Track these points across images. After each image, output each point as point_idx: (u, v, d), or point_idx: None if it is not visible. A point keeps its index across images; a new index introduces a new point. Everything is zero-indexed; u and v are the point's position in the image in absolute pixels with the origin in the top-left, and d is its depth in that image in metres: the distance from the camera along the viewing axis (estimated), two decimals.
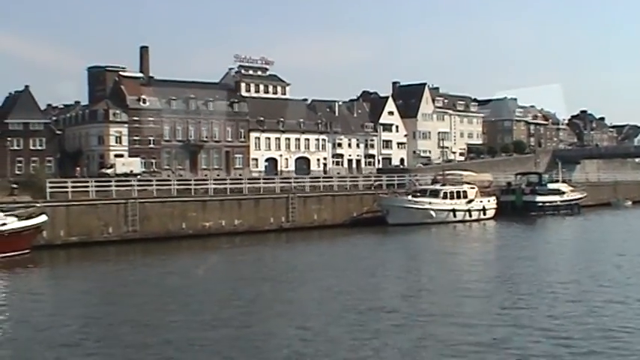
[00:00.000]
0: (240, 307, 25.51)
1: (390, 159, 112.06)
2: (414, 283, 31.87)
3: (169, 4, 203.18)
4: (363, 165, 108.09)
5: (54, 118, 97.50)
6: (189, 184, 51.78)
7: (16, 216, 38.93)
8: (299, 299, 27.44)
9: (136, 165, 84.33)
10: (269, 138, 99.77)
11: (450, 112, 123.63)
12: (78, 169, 79.50)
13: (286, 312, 24.71)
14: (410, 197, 60.95)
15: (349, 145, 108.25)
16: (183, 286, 30.85)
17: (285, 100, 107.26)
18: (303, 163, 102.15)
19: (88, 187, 46.21)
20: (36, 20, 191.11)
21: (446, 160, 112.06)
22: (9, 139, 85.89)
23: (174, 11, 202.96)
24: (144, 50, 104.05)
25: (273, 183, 57.77)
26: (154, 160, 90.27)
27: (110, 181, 49.10)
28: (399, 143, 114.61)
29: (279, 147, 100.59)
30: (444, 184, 64.63)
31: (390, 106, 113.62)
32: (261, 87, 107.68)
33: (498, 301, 26.57)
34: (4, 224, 38.08)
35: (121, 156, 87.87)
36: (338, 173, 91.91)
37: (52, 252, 41.23)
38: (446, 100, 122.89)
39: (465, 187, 65.15)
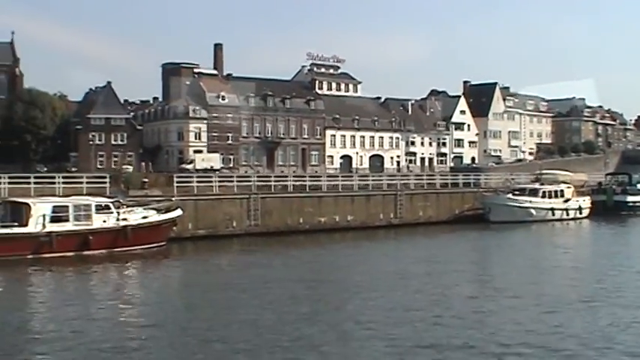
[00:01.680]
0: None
1: (461, 157, 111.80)
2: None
3: (239, 2, 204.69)
4: (435, 163, 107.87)
5: (132, 113, 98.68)
6: (304, 181, 52.22)
7: (155, 209, 39.53)
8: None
9: (215, 160, 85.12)
10: (344, 135, 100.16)
11: (520, 111, 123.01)
12: (143, 164, 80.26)
13: None
14: (510, 195, 60.98)
15: (422, 143, 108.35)
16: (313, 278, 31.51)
17: (358, 98, 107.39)
18: (377, 161, 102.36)
19: (211, 182, 46.81)
20: (108, 18, 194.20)
21: (517, 159, 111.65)
22: (93, 133, 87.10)
23: (244, 9, 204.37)
24: (218, 47, 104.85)
25: (381, 180, 58.07)
26: (232, 156, 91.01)
27: (232, 176, 49.52)
28: (470, 142, 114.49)
29: (354, 144, 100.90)
30: (542, 184, 64.64)
31: (462, 105, 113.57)
32: (334, 85, 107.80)
33: None
34: (145, 217, 38.72)
35: (200, 152, 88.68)
36: (411, 171, 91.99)
37: (181, 244, 41.69)
38: (516, 100, 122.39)
39: (562, 186, 65.14)
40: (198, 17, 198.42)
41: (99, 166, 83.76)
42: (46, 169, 72.99)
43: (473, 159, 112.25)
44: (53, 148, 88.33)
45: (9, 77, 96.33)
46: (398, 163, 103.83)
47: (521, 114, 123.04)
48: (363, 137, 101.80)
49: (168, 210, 40.01)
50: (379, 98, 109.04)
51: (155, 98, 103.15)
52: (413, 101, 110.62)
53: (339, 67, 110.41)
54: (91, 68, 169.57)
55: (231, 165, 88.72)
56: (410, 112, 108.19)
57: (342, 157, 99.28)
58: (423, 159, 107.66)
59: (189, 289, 30.03)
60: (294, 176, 54.46)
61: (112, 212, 37.60)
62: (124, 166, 74.89)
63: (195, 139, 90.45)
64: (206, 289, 29.19)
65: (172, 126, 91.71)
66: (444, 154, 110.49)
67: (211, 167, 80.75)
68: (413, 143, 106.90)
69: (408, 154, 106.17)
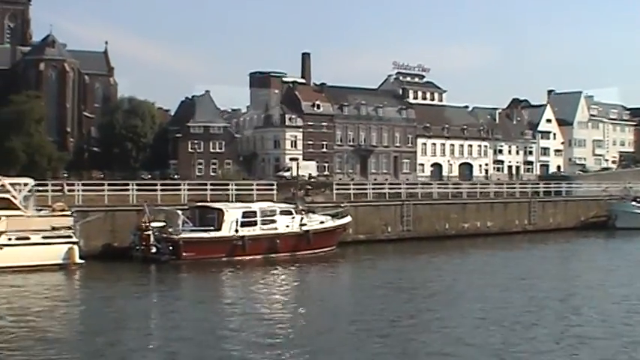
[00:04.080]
0: None
1: (547, 166, 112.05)
2: None
3: (323, 12, 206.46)
4: (522, 171, 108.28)
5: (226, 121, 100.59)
6: (447, 188, 53.58)
7: (331, 215, 41.05)
8: None
9: (312, 168, 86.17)
10: (434, 144, 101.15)
11: (604, 120, 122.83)
12: (216, 173, 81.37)
13: None
14: (635, 203, 61.74)
15: (509, 151, 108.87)
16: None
17: (447, 106, 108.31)
18: (465, 169, 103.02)
19: (366, 189, 48.32)
20: (193, 31, 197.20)
21: (602, 168, 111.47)
22: (193, 141, 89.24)
23: (329, 18, 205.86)
24: (306, 56, 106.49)
25: (514, 188, 59.27)
26: (326, 164, 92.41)
27: (384, 184, 51.00)
28: (556, 150, 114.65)
29: (444, 153, 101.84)
30: None
31: (548, 113, 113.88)
32: (419, 93, 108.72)
33: None
34: (322, 222, 40.24)
35: (296, 159, 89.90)
36: (498, 179, 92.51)
37: (344, 248, 42.96)
38: (600, 109, 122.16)
39: None
40: (280, 26, 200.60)
41: (198, 174, 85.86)
42: (150, 176, 74.71)
43: (558, 167, 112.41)
44: (152, 155, 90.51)
45: (104, 86, 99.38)
46: (486, 171, 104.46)
47: (604, 123, 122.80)
48: (453, 145, 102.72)
49: (341, 216, 41.54)
50: (467, 107, 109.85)
51: (248, 107, 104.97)
52: (500, 110, 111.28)
53: (424, 76, 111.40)
54: (179, 78, 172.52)
55: (326, 172, 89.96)
56: (497, 120, 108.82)
57: (432, 165, 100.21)
58: (510, 167, 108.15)
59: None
60: (438, 184, 55.77)
61: (294, 217, 39.18)
62: (302, 174, 76.40)
63: (291, 146, 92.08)
64: (394, 292, 29.95)
65: (268, 134, 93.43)
66: (531, 163, 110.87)
67: (309, 175, 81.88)
68: (500, 151, 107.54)
69: (495, 162, 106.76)
